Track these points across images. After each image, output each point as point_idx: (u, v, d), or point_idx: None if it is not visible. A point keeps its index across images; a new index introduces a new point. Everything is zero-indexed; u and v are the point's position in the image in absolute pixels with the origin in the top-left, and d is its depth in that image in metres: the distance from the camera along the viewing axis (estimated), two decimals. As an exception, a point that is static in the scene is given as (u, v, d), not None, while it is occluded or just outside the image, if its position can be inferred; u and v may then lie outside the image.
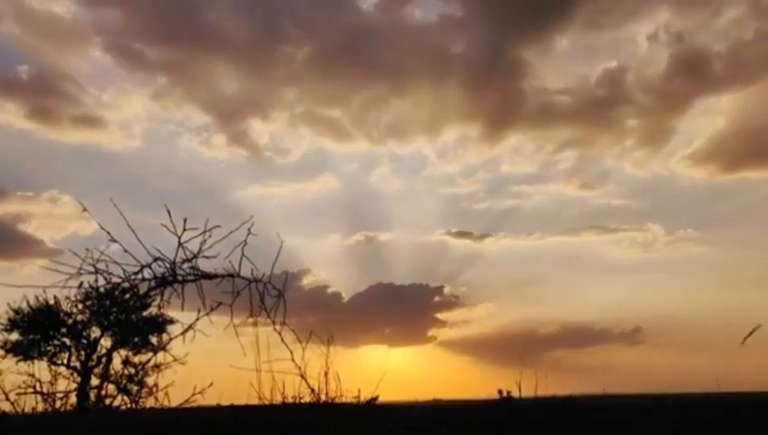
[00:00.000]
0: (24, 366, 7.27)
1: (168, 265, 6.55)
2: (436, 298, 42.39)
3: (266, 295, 6.45)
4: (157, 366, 7.33)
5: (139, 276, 6.59)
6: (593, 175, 51.15)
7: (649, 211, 50.38)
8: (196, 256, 6.51)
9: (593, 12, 43.99)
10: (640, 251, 52.39)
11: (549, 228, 54.13)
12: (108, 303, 7.20)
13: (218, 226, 6.47)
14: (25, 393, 7.06)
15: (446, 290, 43.37)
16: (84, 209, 6.58)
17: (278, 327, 6.36)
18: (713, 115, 48.59)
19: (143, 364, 7.38)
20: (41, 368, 7.24)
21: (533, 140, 51.55)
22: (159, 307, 6.81)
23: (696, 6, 46.14)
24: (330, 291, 38.14)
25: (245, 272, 6.52)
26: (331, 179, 51.84)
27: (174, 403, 7.19)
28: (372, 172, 50.27)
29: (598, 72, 49.25)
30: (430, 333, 39.44)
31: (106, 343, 7.30)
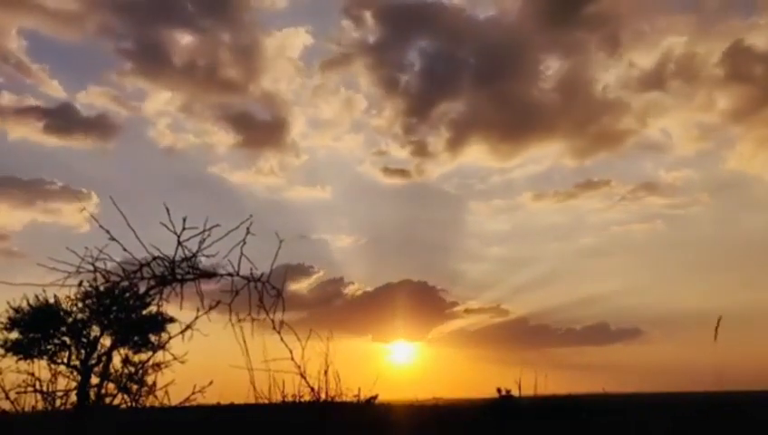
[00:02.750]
0: (24, 365, 7.28)
1: (167, 264, 6.55)
2: (443, 296, 42.47)
3: (265, 294, 6.44)
4: (156, 365, 7.31)
5: (139, 275, 6.58)
6: (616, 177, 51.35)
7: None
8: (195, 255, 6.50)
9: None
10: (664, 250, 52.50)
11: (561, 230, 54.47)
12: (108, 301, 7.20)
13: (218, 225, 6.47)
14: (25, 392, 7.07)
15: (452, 289, 43.46)
16: (83, 209, 6.57)
17: (277, 326, 6.36)
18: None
19: (143, 363, 7.37)
20: (41, 367, 7.25)
21: (546, 146, 51.97)
22: (158, 306, 6.81)
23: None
24: (337, 287, 38.26)
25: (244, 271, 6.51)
26: (341, 182, 52.73)
27: (174, 402, 7.19)
28: (387, 174, 50.96)
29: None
30: (433, 330, 39.54)
31: (106, 341, 7.30)
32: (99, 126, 46.44)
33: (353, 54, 50.12)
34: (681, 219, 54.20)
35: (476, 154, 56.54)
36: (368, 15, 49.66)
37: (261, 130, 49.28)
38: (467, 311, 44.05)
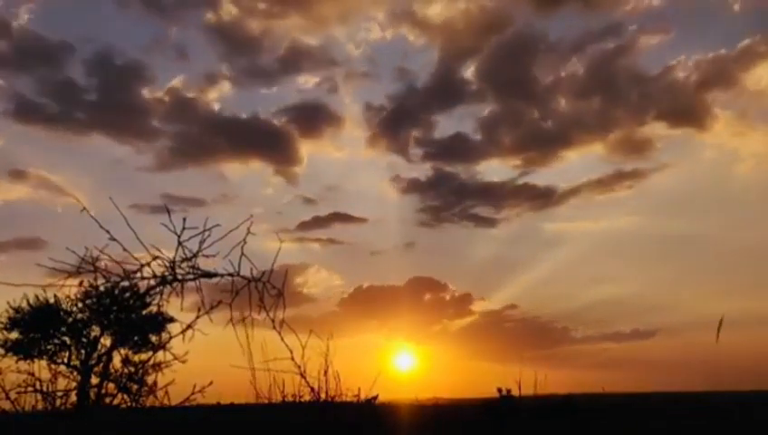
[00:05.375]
0: (24, 365, 7.28)
1: (167, 264, 6.55)
2: (446, 295, 42.46)
3: (266, 295, 6.44)
4: (157, 365, 7.31)
5: (139, 275, 6.58)
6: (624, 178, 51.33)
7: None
8: (195, 256, 6.50)
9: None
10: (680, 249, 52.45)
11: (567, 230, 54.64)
12: (108, 301, 7.20)
13: (218, 225, 6.47)
14: (25, 392, 7.06)
15: (455, 288, 43.44)
16: (84, 208, 6.55)
17: (278, 326, 6.36)
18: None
19: (143, 363, 7.37)
20: (41, 367, 7.23)
21: (561, 150, 52.05)
22: (159, 306, 6.81)
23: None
24: (341, 286, 38.29)
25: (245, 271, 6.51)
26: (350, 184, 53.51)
27: (174, 402, 7.19)
28: (399, 181, 51.53)
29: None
30: (435, 329, 39.57)
31: (106, 341, 7.30)
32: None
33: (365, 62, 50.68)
34: (694, 222, 54.34)
35: (491, 157, 56.93)
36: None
37: (272, 142, 50.36)
38: (474, 311, 44.13)
